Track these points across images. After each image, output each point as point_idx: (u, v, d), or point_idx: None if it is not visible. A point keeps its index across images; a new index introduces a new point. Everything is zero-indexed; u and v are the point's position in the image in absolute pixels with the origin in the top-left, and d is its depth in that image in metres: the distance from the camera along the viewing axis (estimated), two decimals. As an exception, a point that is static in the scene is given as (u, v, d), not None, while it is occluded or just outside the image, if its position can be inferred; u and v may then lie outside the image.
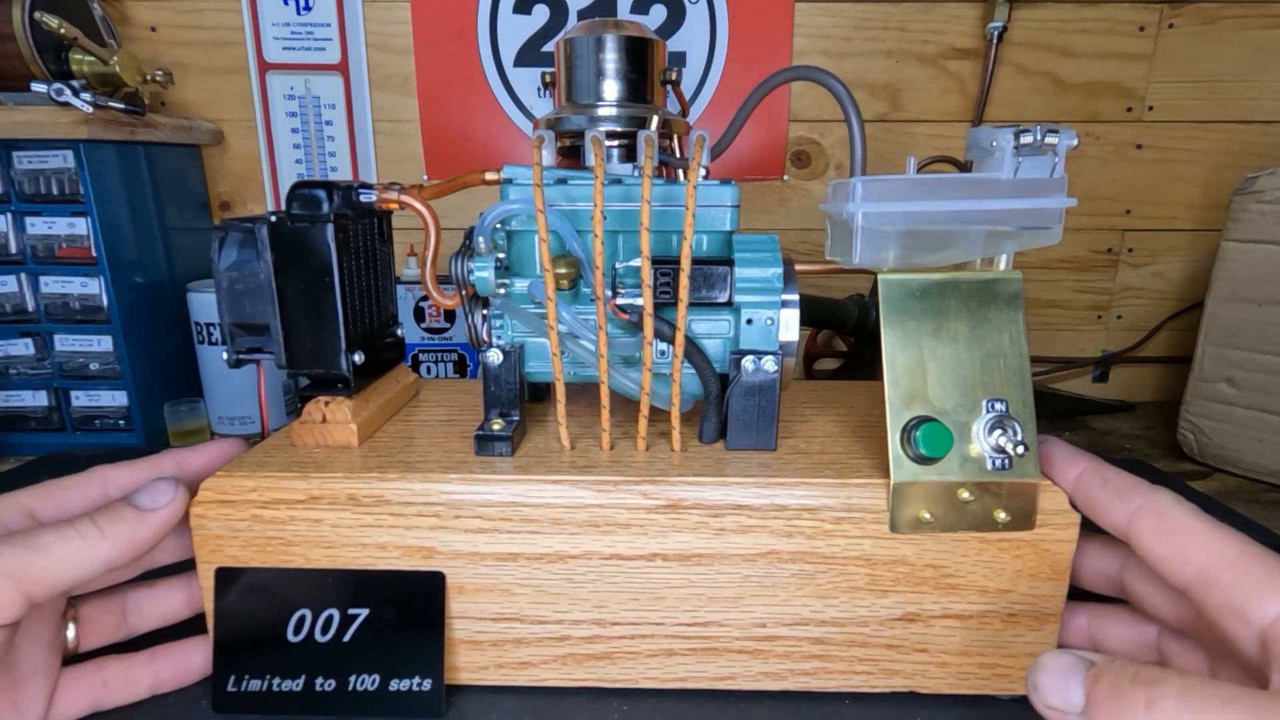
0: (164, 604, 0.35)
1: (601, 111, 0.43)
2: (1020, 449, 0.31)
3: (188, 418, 0.68)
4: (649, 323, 0.34)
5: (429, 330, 0.72)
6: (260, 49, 0.75)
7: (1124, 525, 0.29)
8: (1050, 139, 0.30)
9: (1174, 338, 0.83)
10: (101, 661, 0.33)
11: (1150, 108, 0.76)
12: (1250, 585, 0.25)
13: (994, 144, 0.31)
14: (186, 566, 0.35)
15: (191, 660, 0.35)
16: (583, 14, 0.75)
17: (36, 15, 0.60)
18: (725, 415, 0.37)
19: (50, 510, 0.32)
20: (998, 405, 0.32)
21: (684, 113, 0.49)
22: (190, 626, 0.35)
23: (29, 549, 0.28)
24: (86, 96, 0.59)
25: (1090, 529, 0.32)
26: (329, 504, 0.33)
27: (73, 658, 0.33)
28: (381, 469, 0.34)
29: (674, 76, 0.47)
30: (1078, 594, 0.34)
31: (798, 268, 0.38)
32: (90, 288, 0.63)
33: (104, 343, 0.64)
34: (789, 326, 0.36)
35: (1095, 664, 0.24)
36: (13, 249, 0.62)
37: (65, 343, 0.64)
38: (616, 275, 0.36)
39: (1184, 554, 0.27)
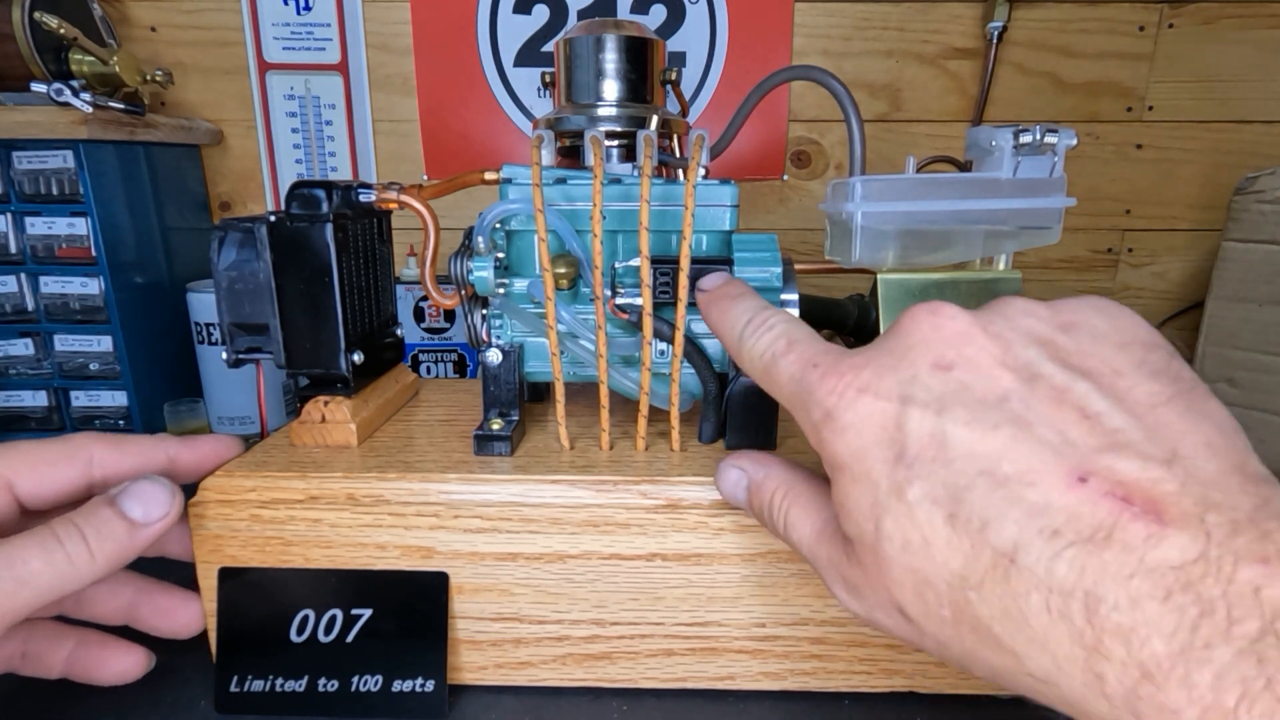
0: (110, 604, 0.33)
1: (601, 111, 0.43)
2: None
3: (188, 418, 0.68)
4: (648, 322, 0.34)
5: (429, 330, 0.72)
6: (260, 49, 0.75)
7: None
8: (1050, 139, 0.30)
9: (1174, 338, 0.83)
10: (30, 626, 0.31)
11: (1150, 108, 0.76)
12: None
13: (994, 144, 0.31)
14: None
15: (120, 662, 0.32)
16: (583, 14, 0.75)
17: (36, 15, 0.59)
18: (725, 415, 0.37)
19: (30, 486, 0.30)
20: (997, 405, 0.32)
21: (684, 113, 0.49)
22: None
23: (10, 575, 0.26)
24: (86, 96, 0.59)
25: None
26: (328, 504, 0.33)
27: None
28: (381, 469, 0.34)
29: (674, 76, 0.47)
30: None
31: (798, 268, 0.38)
32: (90, 288, 0.63)
33: (104, 343, 0.64)
34: (788, 326, 0.36)
35: (750, 481, 0.29)
36: (13, 249, 0.62)
37: (65, 343, 0.64)
38: (616, 275, 0.36)
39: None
